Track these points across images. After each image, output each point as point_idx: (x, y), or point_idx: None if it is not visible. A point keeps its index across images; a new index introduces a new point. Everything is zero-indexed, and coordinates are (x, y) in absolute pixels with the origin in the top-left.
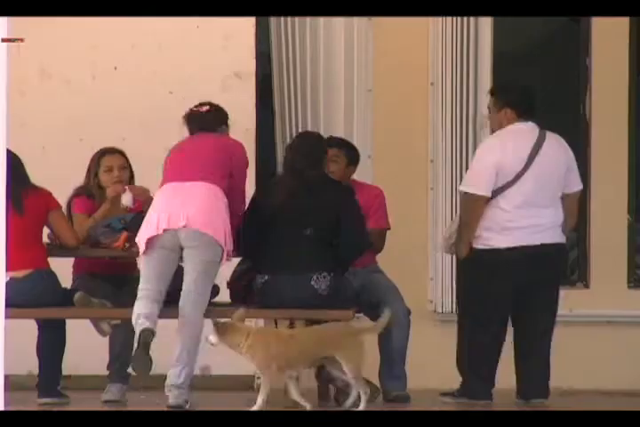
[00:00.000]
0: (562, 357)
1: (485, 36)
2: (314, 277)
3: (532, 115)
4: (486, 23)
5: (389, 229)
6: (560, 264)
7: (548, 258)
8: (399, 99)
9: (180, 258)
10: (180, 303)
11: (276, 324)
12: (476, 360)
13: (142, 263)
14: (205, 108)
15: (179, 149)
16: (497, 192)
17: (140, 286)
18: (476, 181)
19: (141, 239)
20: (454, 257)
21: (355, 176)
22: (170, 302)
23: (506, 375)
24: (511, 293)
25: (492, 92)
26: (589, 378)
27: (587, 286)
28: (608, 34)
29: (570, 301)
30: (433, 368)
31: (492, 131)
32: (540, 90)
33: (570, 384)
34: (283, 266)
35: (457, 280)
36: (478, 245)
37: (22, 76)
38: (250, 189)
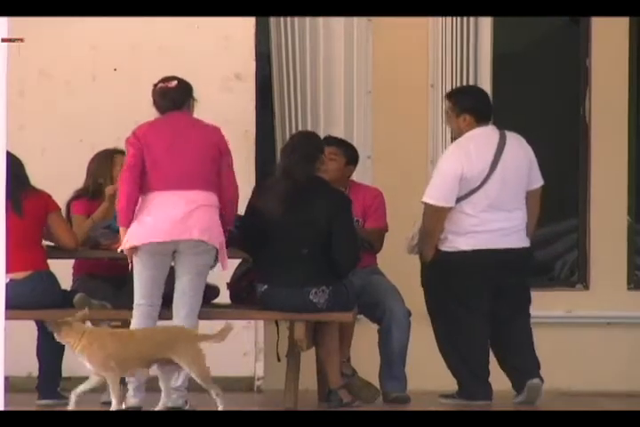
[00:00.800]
0: (561, 358)
1: (485, 37)
2: (312, 292)
3: (490, 119)
4: (486, 25)
5: (387, 230)
6: (527, 267)
7: (516, 261)
8: (399, 100)
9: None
10: (174, 306)
11: (278, 325)
12: (467, 363)
13: (136, 268)
14: (174, 82)
15: (161, 141)
16: (461, 198)
17: (136, 293)
18: (439, 193)
19: (134, 241)
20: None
21: (354, 177)
22: (164, 303)
23: (504, 377)
24: (481, 294)
25: (449, 98)
26: (589, 379)
27: (586, 287)
28: (608, 35)
29: (569, 302)
30: (433, 370)
31: (455, 136)
32: (540, 91)
33: (569, 385)
34: (281, 280)
35: (423, 283)
36: (444, 247)
37: (22, 77)
38: (249, 190)
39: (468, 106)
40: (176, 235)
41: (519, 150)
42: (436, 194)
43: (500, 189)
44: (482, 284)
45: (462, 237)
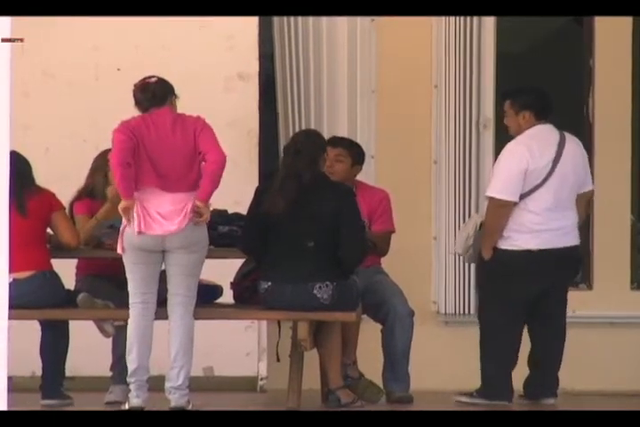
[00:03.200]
0: (565, 357)
1: (488, 37)
2: (316, 287)
3: (549, 116)
4: (489, 25)
5: (394, 231)
6: (580, 266)
7: (572, 260)
8: (402, 100)
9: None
10: (168, 307)
11: (280, 325)
12: (502, 362)
13: (127, 267)
14: (154, 78)
15: (148, 139)
16: (524, 195)
17: (130, 292)
18: (505, 188)
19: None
20: (461, 258)
21: (358, 177)
22: (161, 303)
23: None
24: (535, 294)
25: (508, 96)
26: (592, 379)
27: (590, 287)
28: (611, 34)
29: (573, 302)
30: (436, 369)
31: (514, 134)
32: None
33: (572, 385)
34: (286, 276)
35: (479, 282)
36: (506, 246)
37: (25, 78)
38: (252, 190)
39: (527, 103)
40: (161, 231)
41: (577, 152)
42: (501, 188)
43: (560, 187)
44: (540, 284)
45: (526, 236)
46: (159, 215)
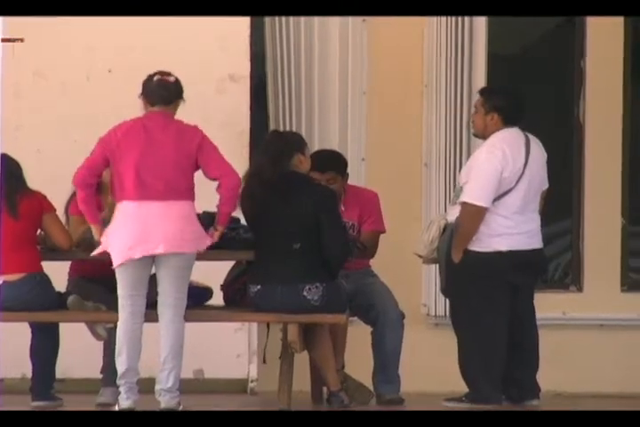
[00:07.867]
0: (555, 360)
1: (480, 38)
2: (306, 288)
3: (519, 120)
4: (481, 25)
5: (384, 232)
6: (544, 271)
7: (536, 263)
8: (393, 101)
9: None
10: (159, 309)
11: (268, 328)
12: (488, 365)
13: (117, 270)
14: (172, 78)
15: (135, 148)
16: (495, 199)
17: (119, 295)
18: (483, 194)
19: (114, 256)
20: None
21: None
22: (150, 304)
23: None
24: (509, 294)
25: (482, 93)
26: (583, 381)
27: (580, 289)
28: (603, 36)
29: (563, 304)
30: (427, 372)
31: (477, 132)
32: (535, 91)
33: (563, 388)
34: (275, 278)
35: (449, 285)
36: (478, 248)
37: (17, 78)
38: None
39: (497, 105)
40: (149, 249)
41: (539, 153)
42: (479, 194)
43: (527, 191)
44: (510, 284)
45: (497, 238)
46: (145, 232)
